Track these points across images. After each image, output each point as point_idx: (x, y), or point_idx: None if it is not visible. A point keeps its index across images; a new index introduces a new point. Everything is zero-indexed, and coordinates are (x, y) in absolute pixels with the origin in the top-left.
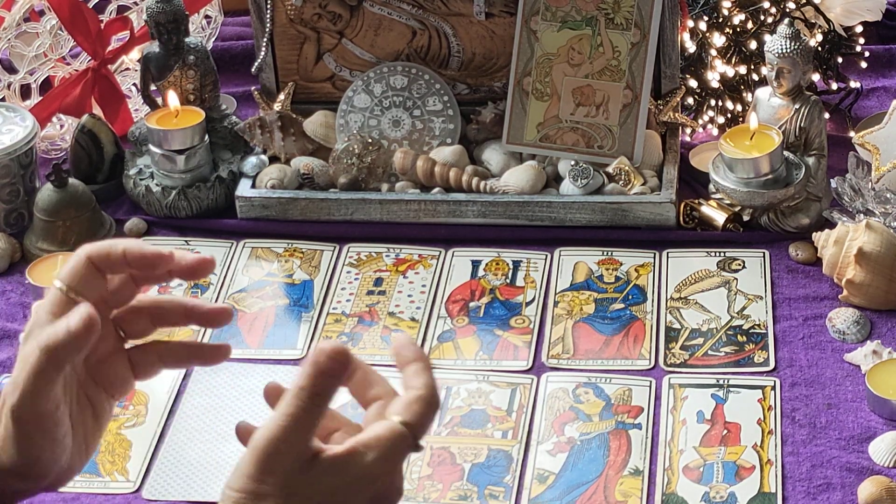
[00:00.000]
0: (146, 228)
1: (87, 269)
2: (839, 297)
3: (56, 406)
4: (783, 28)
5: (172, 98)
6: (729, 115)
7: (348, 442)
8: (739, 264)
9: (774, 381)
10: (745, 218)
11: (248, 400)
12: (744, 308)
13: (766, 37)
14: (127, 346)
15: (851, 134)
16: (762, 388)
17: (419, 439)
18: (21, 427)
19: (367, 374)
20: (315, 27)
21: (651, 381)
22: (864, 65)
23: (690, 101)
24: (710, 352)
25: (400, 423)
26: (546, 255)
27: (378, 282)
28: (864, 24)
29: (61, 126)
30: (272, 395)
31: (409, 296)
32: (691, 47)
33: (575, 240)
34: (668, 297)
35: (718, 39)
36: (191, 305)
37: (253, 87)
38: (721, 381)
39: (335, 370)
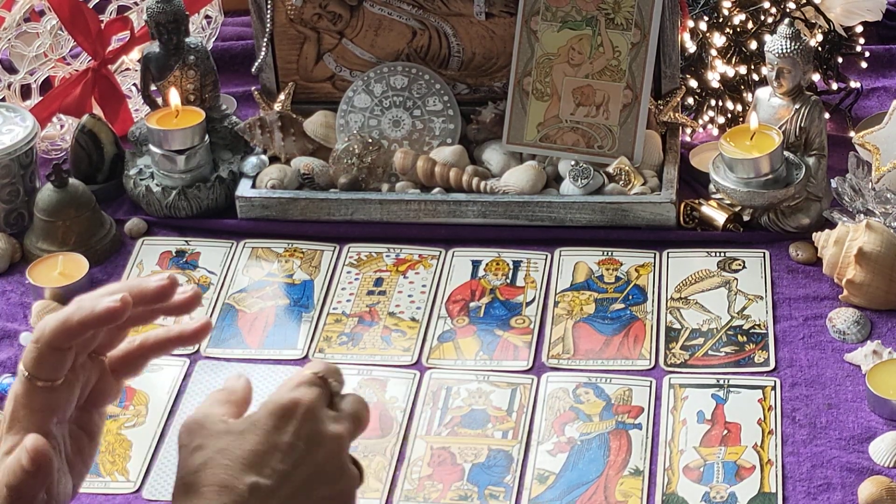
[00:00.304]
0: (146, 228)
1: (50, 356)
2: (839, 297)
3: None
4: (783, 28)
5: (174, 96)
6: (729, 115)
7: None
8: (739, 264)
9: (775, 381)
10: (746, 218)
11: None
12: (744, 308)
13: (767, 37)
14: (107, 359)
15: (851, 134)
16: (762, 388)
17: (329, 381)
18: None
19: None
20: (315, 27)
21: (651, 381)
22: (864, 65)
23: (690, 101)
24: (710, 352)
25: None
26: (546, 255)
27: (378, 282)
28: (864, 24)
29: (61, 126)
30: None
31: (410, 296)
32: (691, 47)
33: (575, 240)
34: (669, 297)
35: (718, 39)
36: (159, 306)
37: (253, 87)
38: (721, 381)
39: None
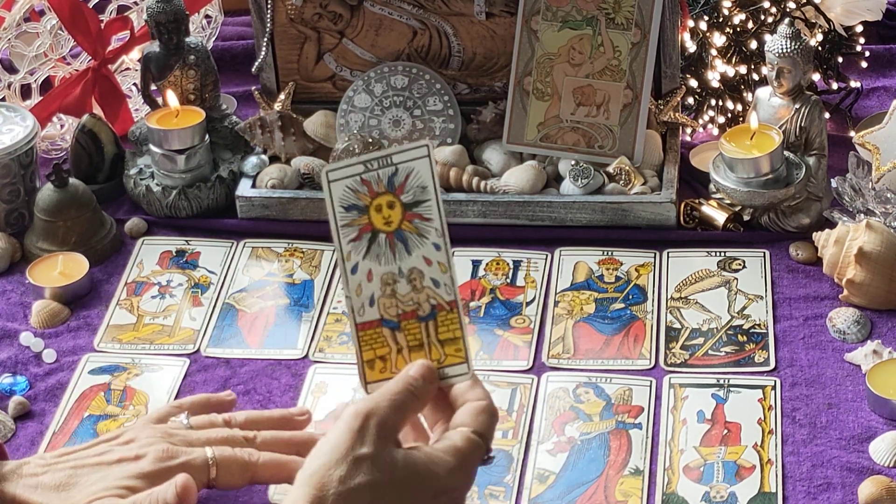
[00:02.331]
0: (146, 228)
1: None
2: (839, 296)
3: None
4: (783, 28)
5: (172, 98)
6: (729, 115)
7: (428, 448)
8: (740, 264)
9: (775, 381)
10: (746, 218)
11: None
12: (744, 308)
13: (767, 36)
14: None
15: (852, 134)
16: (762, 387)
17: (490, 450)
18: None
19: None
20: (315, 27)
21: (651, 381)
22: (864, 65)
23: (691, 100)
24: (710, 351)
25: (475, 434)
26: (546, 255)
27: None
28: (864, 23)
29: (61, 126)
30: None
31: None
32: (692, 47)
33: (575, 240)
34: (669, 296)
35: (719, 39)
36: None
37: (253, 87)
38: (721, 381)
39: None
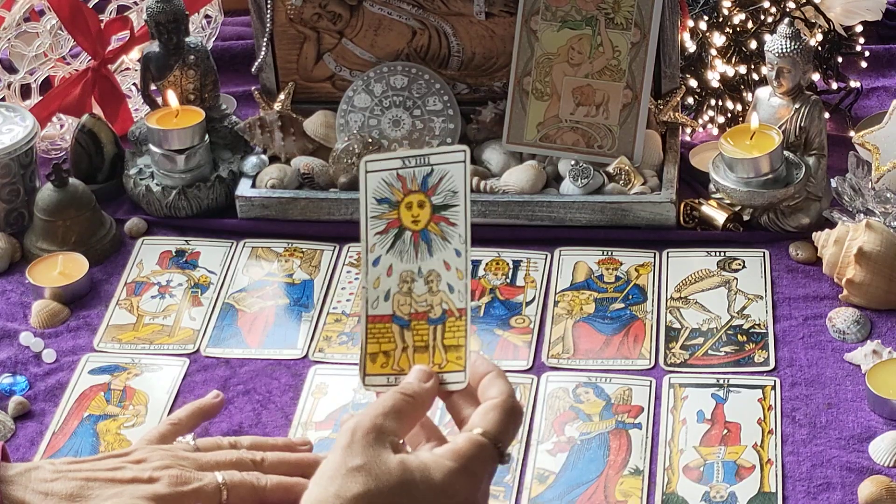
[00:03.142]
0: (146, 228)
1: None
2: (839, 296)
3: None
4: (783, 28)
5: (172, 98)
6: (729, 115)
7: (425, 452)
8: (739, 264)
9: (774, 381)
10: (745, 218)
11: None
12: (744, 308)
13: (767, 36)
14: None
15: (851, 134)
16: (762, 387)
17: (503, 448)
18: None
19: (472, 392)
20: (315, 27)
21: (651, 381)
22: (864, 64)
23: (690, 100)
24: (710, 351)
25: (479, 434)
26: (546, 255)
27: None
28: (864, 23)
29: (61, 126)
30: None
31: None
32: (691, 47)
33: (575, 239)
34: (669, 296)
35: (718, 39)
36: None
37: (253, 87)
38: (721, 381)
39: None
